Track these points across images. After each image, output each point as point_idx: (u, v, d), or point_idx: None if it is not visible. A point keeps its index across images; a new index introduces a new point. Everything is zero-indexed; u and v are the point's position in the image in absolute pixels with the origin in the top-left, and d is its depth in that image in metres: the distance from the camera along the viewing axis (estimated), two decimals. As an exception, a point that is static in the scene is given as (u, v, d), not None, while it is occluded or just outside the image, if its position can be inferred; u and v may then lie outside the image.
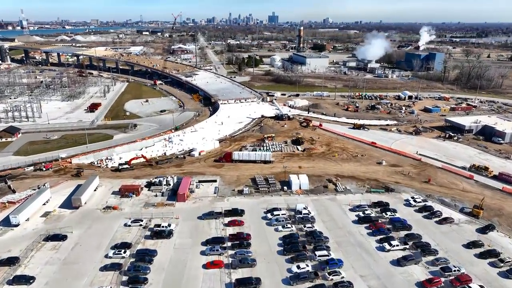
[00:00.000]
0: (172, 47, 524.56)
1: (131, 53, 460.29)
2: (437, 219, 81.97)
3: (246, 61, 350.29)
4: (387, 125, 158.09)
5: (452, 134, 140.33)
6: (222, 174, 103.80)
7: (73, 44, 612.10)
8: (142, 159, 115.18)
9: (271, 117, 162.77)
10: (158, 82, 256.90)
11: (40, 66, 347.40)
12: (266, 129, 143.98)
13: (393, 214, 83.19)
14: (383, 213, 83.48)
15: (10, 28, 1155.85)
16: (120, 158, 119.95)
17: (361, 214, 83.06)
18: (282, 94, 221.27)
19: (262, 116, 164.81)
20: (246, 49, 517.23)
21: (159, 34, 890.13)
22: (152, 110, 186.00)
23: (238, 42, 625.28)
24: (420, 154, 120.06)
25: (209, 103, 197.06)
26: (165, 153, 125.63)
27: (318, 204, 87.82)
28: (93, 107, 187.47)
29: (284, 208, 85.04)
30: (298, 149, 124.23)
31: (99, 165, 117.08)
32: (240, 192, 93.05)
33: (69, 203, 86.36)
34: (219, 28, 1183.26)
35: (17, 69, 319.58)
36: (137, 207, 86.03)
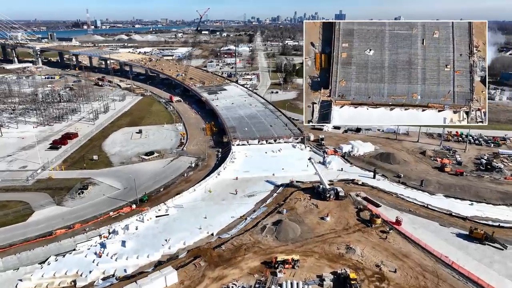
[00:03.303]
0: (223, 48, 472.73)
1: (173, 55, 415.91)
2: None
3: (296, 68, 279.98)
4: (536, 226, 79.45)
5: None
6: None
7: (125, 43, 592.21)
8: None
9: (304, 189, 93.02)
10: (175, 98, 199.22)
11: (68, 69, 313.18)
12: (288, 229, 73.90)
13: None
14: None
15: (85, 27, 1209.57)
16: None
17: None
18: (335, 128, 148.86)
19: (291, 184, 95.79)
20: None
21: (217, 33, 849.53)
22: (136, 151, 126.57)
23: (297, 43, 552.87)
24: None
25: (222, 142, 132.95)
26: (74, 283, 63.76)
27: None
28: (62, 141, 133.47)
29: None
30: (344, 319, 53.78)
31: None
32: None
33: None
34: (280, 27, 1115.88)
35: (36, 73, 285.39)
36: None
